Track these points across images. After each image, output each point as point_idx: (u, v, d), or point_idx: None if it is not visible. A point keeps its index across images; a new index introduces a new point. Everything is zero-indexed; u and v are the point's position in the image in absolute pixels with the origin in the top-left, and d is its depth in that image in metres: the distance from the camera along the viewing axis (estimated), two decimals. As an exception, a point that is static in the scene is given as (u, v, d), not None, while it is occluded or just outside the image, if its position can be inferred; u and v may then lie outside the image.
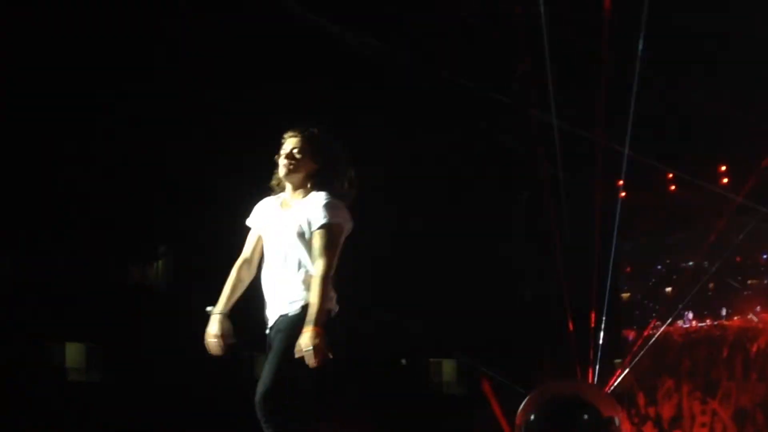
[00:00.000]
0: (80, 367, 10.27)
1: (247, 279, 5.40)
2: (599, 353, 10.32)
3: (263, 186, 5.41)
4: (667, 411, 10.59)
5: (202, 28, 9.37)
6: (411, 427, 10.35)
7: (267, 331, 5.25)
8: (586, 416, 8.73)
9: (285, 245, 5.28)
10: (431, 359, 11.59)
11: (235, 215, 5.79)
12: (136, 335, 9.97)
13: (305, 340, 4.90)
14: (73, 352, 10.25)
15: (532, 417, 8.76)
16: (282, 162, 5.37)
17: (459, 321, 10.68)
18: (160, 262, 10.37)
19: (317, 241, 5.22)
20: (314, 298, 5.05)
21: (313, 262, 5.22)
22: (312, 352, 4.88)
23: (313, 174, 5.37)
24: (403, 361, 11.49)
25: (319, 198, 5.28)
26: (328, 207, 5.25)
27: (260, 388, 4.99)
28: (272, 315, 5.26)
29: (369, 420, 10.02)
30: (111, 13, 9.20)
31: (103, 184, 9.61)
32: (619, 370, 10.70)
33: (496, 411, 10.29)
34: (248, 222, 5.54)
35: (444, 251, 10.68)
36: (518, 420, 8.87)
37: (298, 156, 5.36)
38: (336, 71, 10.07)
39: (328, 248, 5.20)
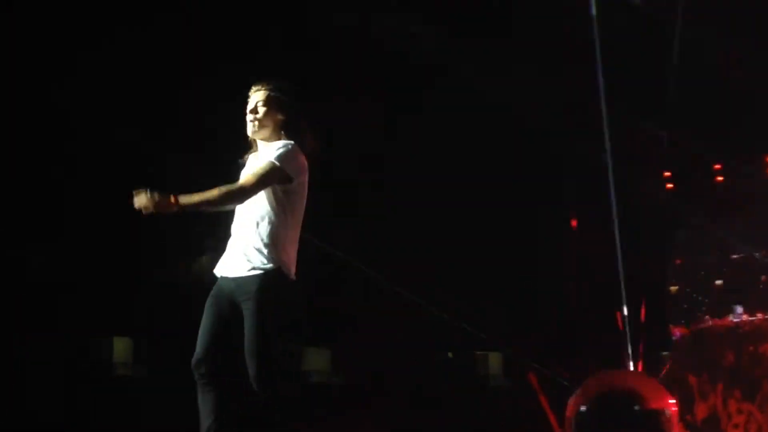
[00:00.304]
0: (126, 361, 10.30)
1: (226, 205, 5.28)
2: (646, 345, 10.24)
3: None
4: (702, 410, 10.47)
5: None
6: (458, 420, 10.30)
7: (218, 277, 5.29)
8: (637, 407, 8.67)
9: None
10: (478, 352, 11.53)
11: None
12: (182, 329, 9.96)
13: (152, 196, 4.93)
14: (121, 347, 10.28)
15: (584, 408, 8.70)
16: (248, 118, 5.36)
17: (506, 313, 10.63)
18: (205, 256, 10.35)
19: (254, 170, 5.24)
20: (206, 194, 5.06)
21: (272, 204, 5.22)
22: (147, 202, 4.94)
23: (281, 126, 5.35)
24: (450, 354, 11.44)
25: (279, 143, 5.28)
26: (283, 151, 5.23)
27: (252, 368, 5.05)
28: (230, 265, 5.24)
29: (415, 413, 10.00)
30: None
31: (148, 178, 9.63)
32: (668, 364, 10.62)
33: (543, 404, 10.24)
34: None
35: (492, 243, 10.63)
36: (569, 412, 8.81)
37: (262, 109, 5.34)
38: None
39: (257, 178, 5.18)
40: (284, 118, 5.32)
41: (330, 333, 10.53)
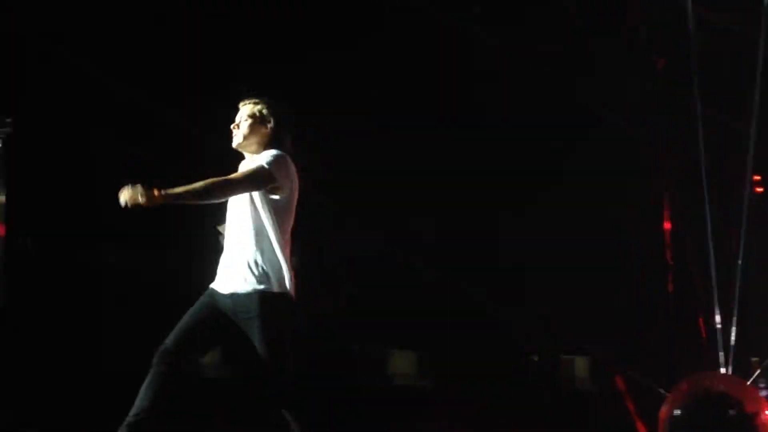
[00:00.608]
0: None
1: (212, 199, 5.27)
2: (734, 349, 10.09)
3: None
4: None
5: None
6: (543, 425, 10.23)
7: (213, 288, 5.30)
8: (731, 411, 8.57)
9: (240, 210, 5.29)
10: (563, 356, 11.45)
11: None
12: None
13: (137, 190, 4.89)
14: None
15: (678, 412, 8.62)
16: (234, 132, 5.45)
17: (592, 317, 10.54)
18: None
19: (242, 170, 5.34)
20: (191, 185, 5.05)
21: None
22: (133, 196, 4.89)
23: (265, 140, 5.41)
24: (535, 358, 11.37)
25: (270, 152, 5.34)
26: (273, 158, 5.27)
27: (266, 386, 5.15)
28: (225, 283, 5.27)
29: (500, 417, 9.93)
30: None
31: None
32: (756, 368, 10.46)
33: (630, 408, 10.13)
34: None
35: (579, 244, 10.55)
36: (662, 414, 8.73)
37: (245, 124, 5.40)
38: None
39: (244, 175, 5.25)
40: (268, 132, 5.38)
41: (416, 335, 10.50)
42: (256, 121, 5.41)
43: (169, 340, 5.15)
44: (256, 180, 5.20)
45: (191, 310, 5.25)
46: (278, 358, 5.10)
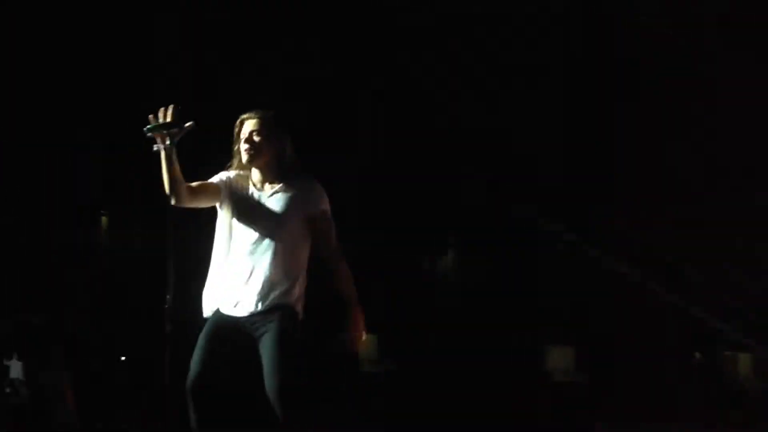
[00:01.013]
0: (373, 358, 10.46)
1: (183, 192, 5.08)
2: None
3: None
4: None
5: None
6: (706, 425, 9.99)
7: (228, 314, 5.15)
8: None
9: (269, 229, 5.16)
10: (726, 353, 11.15)
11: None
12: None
13: (360, 328, 5.07)
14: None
15: None
16: (243, 147, 5.23)
17: (755, 310, 10.23)
18: (450, 251, 10.44)
19: (327, 226, 5.24)
20: (349, 280, 5.15)
21: (325, 247, 5.23)
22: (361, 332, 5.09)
23: (279, 155, 5.27)
24: (697, 355, 11.11)
25: (313, 183, 5.27)
26: (324, 193, 5.27)
27: (274, 385, 5.00)
28: (243, 301, 5.14)
29: (656, 414, 9.74)
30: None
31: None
32: None
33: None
34: (215, 179, 5.28)
35: (739, 236, 10.25)
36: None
37: (257, 139, 5.23)
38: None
39: (334, 233, 5.26)
40: (282, 146, 5.27)
41: (573, 331, 10.42)
42: (271, 136, 5.28)
43: (192, 373, 5.08)
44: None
45: (205, 340, 5.15)
46: (288, 363, 5.04)
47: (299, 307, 5.22)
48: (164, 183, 4.98)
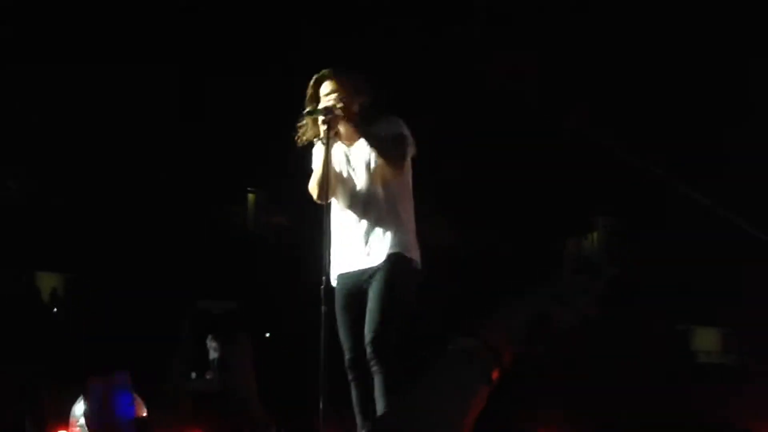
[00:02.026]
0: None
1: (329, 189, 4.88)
2: None
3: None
4: None
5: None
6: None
7: (339, 281, 4.91)
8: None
9: (360, 181, 4.95)
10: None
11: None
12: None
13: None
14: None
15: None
16: (324, 115, 4.85)
17: None
18: (595, 234, 10.32)
19: (394, 137, 4.82)
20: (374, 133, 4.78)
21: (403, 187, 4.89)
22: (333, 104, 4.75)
23: (362, 108, 4.93)
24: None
25: (390, 119, 4.88)
26: (402, 123, 4.84)
27: (371, 331, 4.73)
28: (354, 259, 4.90)
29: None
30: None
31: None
32: None
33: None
34: (319, 158, 4.92)
35: None
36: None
37: (339, 101, 4.87)
38: None
39: (403, 141, 4.80)
40: (364, 99, 4.93)
41: (721, 313, 10.18)
42: (351, 92, 4.94)
43: (349, 349, 4.89)
44: (407, 152, 4.90)
45: (340, 312, 4.92)
46: (388, 315, 4.79)
47: (413, 254, 4.94)
48: (315, 181, 4.87)
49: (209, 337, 7.42)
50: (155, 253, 9.10)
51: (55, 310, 9.77)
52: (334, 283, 4.99)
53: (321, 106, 4.83)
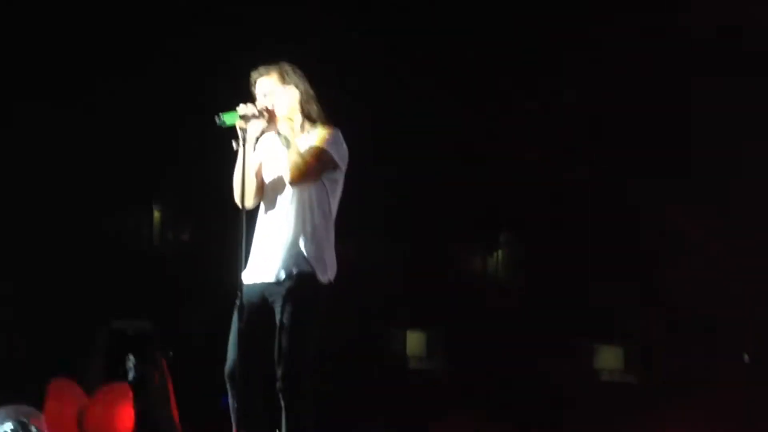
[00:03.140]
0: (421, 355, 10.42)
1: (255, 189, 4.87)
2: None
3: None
4: None
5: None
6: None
7: (247, 281, 4.82)
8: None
9: (281, 191, 4.87)
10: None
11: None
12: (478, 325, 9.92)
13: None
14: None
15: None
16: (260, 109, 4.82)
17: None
18: (500, 251, 10.35)
19: (308, 150, 4.77)
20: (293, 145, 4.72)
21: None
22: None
23: (295, 110, 4.91)
24: (746, 357, 10.84)
25: (321, 131, 4.86)
26: (331, 138, 4.81)
27: (282, 367, 4.70)
28: (262, 270, 4.83)
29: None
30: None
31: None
32: None
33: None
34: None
35: None
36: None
37: (266, 100, 4.87)
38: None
39: (314, 157, 4.76)
40: (298, 98, 4.91)
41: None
42: (279, 90, 4.89)
43: (230, 358, 4.80)
44: (321, 168, 4.81)
45: (235, 320, 4.80)
46: (299, 343, 4.74)
47: (323, 274, 4.84)
48: (236, 186, 4.79)
49: (128, 357, 7.31)
50: (60, 268, 8.90)
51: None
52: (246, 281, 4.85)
53: (242, 110, 4.73)
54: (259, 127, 4.79)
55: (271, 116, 4.82)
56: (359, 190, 5.32)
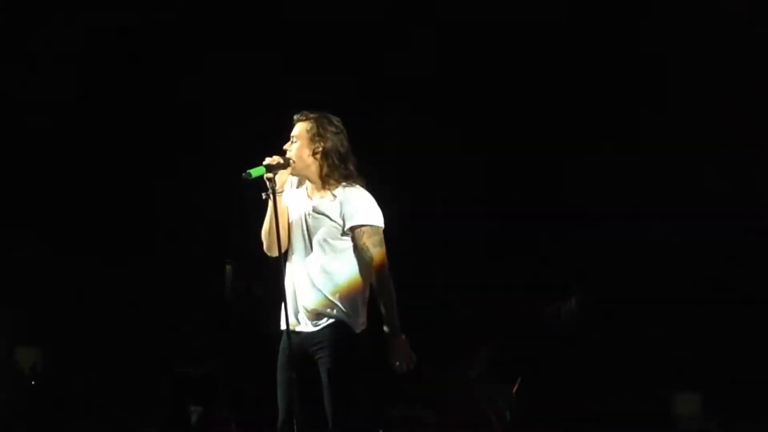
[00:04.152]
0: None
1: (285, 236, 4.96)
2: None
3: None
4: None
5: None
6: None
7: (288, 330, 4.90)
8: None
9: (315, 243, 4.95)
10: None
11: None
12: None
13: (401, 351, 4.78)
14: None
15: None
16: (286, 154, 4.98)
17: None
18: (573, 299, 10.25)
19: (366, 240, 4.90)
20: (389, 301, 4.83)
21: (362, 262, 4.92)
22: (407, 360, 4.80)
23: (325, 161, 5.00)
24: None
25: (355, 192, 4.96)
26: (373, 205, 4.96)
27: (333, 418, 4.79)
28: (297, 317, 4.94)
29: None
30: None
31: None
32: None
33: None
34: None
35: None
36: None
37: (296, 143, 5.01)
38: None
39: (380, 246, 4.89)
40: (326, 148, 5.02)
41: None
42: (314, 138, 5.04)
43: (282, 410, 4.96)
44: (384, 244, 4.97)
45: (280, 371, 4.97)
46: (346, 391, 4.90)
47: (358, 323, 4.97)
48: (265, 234, 4.98)
49: (191, 400, 7.40)
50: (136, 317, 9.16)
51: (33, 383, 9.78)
52: (282, 326, 4.99)
53: (267, 161, 4.90)
54: (286, 176, 4.99)
55: (294, 164, 4.98)
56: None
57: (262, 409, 7.88)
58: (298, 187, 5.14)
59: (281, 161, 4.90)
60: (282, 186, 4.97)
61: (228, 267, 9.62)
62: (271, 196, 4.87)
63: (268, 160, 4.88)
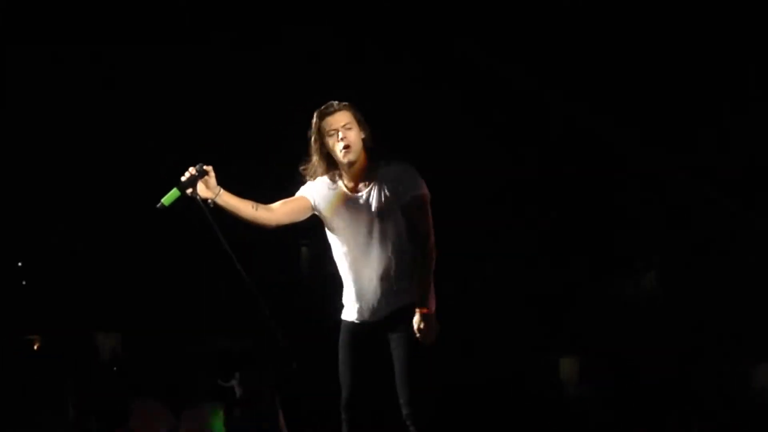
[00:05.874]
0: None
1: (261, 217, 4.84)
2: None
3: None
4: None
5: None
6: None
7: (356, 320, 4.92)
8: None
9: (375, 231, 4.86)
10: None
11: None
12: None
13: (425, 324, 4.72)
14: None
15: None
16: (339, 147, 4.84)
17: None
18: (651, 273, 10.15)
19: (416, 215, 4.82)
20: (428, 273, 4.76)
21: (411, 236, 4.83)
22: (430, 336, 4.72)
23: (370, 147, 4.93)
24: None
25: (403, 168, 4.89)
26: (415, 175, 4.88)
27: (406, 402, 4.78)
28: (366, 308, 4.90)
29: None
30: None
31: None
32: None
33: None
34: (303, 192, 5.01)
35: None
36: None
37: (351, 134, 4.86)
38: None
39: (428, 219, 4.83)
40: (364, 136, 4.91)
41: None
42: (361, 126, 4.94)
43: (348, 392, 4.93)
44: (430, 214, 4.92)
45: (348, 355, 4.98)
46: (419, 370, 4.84)
47: (430, 304, 4.87)
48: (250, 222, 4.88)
49: (234, 375, 7.48)
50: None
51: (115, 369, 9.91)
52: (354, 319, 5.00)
53: (184, 178, 4.65)
54: (213, 180, 4.70)
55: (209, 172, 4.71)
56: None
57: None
58: (333, 182, 5.03)
59: (195, 173, 4.65)
60: (214, 189, 4.70)
61: (303, 249, 9.65)
62: (207, 209, 4.66)
63: (183, 178, 4.65)
